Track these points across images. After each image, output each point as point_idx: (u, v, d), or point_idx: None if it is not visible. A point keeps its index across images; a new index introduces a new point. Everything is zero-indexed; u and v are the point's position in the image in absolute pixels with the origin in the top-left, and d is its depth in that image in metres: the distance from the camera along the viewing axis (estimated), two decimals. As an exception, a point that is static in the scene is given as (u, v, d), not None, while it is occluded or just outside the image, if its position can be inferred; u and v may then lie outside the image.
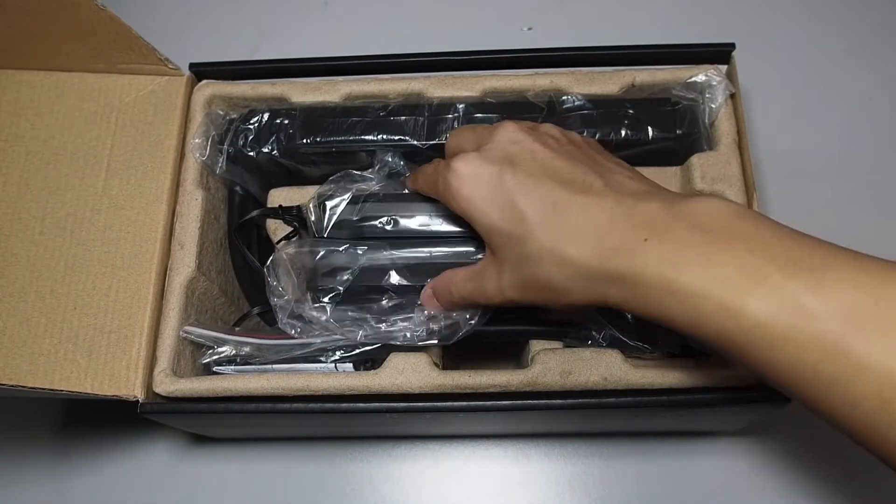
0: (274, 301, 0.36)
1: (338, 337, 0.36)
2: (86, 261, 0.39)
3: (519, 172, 0.30)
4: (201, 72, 0.43)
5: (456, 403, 0.36)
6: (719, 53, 0.41)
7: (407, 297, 0.36)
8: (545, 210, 0.29)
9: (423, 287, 0.36)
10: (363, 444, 0.49)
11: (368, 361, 0.38)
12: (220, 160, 0.42)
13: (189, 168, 0.41)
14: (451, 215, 0.35)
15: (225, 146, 0.42)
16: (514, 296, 0.31)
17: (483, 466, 0.48)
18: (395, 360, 0.36)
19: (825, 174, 0.55)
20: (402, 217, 0.37)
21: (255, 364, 0.38)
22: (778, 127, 0.56)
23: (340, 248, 0.36)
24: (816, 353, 0.22)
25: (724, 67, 0.41)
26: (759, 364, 0.24)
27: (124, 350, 0.37)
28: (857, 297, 0.22)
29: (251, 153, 0.41)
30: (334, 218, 0.37)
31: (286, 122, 0.41)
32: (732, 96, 0.40)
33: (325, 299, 0.36)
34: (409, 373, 0.36)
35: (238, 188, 0.44)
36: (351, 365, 0.37)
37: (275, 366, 0.37)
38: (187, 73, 0.43)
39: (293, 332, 0.37)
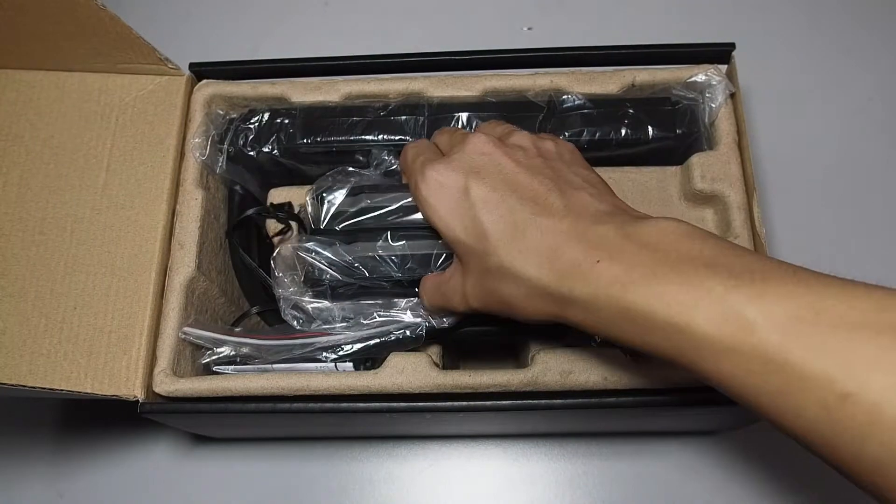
0: (279, 293, 0.37)
1: (337, 336, 0.36)
2: (86, 261, 0.39)
3: (483, 186, 0.30)
4: (201, 72, 0.43)
5: (456, 403, 0.36)
6: (719, 53, 0.41)
7: (406, 291, 0.36)
8: (505, 227, 0.29)
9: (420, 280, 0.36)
10: (363, 444, 0.49)
11: (368, 361, 0.38)
12: (220, 160, 0.42)
13: (189, 168, 0.41)
14: None
15: (225, 146, 0.42)
16: (476, 306, 0.32)
17: (483, 466, 0.48)
18: (394, 360, 0.36)
19: (825, 174, 0.55)
20: (400, 208, 0.37)
21: (254, 364, 0.38)
22: (778, 127, 0.56)
23: (337, 243, 0.36)
24: (760, 363, 0.22)
25: (723, 67, 0.41)
26: (711, 376, 0.24)
27: (124, 350, 0.37)
28: (797, 308, 0.22)
29: (251, 153, 0.41)
30: (332, 209, 0.37)
31: (286, 121, 0.41)
32: (732, 96, 0.40)
33: (323, 293, 0.37)
34: (409, 372, 0.36)
35: (238, 188, 0.44)
36: (351, 364, 0.37)
37: (275, 366, 0.37)
38: (187, 72, 0.43)
39: (296, 323, 0.37)
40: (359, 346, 0.37)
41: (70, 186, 0.40)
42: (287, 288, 0.37)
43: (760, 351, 0.22)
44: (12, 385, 0.35)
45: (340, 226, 0.37)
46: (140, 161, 0.41)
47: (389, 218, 0.37)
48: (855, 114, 0.57)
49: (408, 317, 0.36)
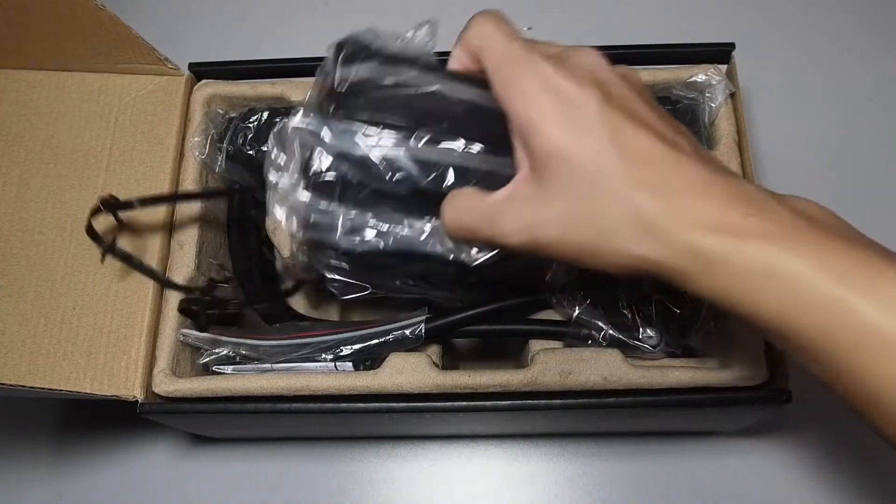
0: (270, 177, 0.30)
1: (337, 336, 0.36)
2: (85, 260, 0.39)
3: (610, 103, 0.25)
4: (201, 72, 0.43)
5: (456, 403, 0.36)
6: (719, 53, 0.41)
7: (428, 208, 0.29)
8: (635, 150, 0.25)
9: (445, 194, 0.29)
10: (363, 444, 0.49)
11: (368, 360, 0.38)
12: (220, 159, 0.42)
13: (188, 167, 0.41)
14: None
15: (224, 145, 0.42)
16: (546, 238, 0.26)
17: (483, 466, 0.48)
18: (394, 360, 0.36)
19: (825, 174, 0.55)
20: (443, 95, 0.29)
21: (253, 364, 0.38)
22: (778, 127, 0.56)
23: (353, 128, 0.28)
24: None
25: (723, 67, 0.41)
26: (863, 371, 0.22)
27: (124, 350, 0.37)
28: None
29: (250, 152, 0.41)
30: (357, 75, 0.30)
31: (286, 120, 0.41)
32: (732, 96, 0.40)
33: (328, 190, 0.29)
34: (408, 372, 0.36)
35: (237, 186, 0.44)
36: (350, 364, 0.37)
37: (274, 366, 0.37)
38: (187, 72, 0.43)
39: (281, 213, 0.30)
40: (358, 346, 0.37)
41: (70, 186, 0.40)
42: (279, 170, 0.29)
43: None
44: (12, 385, 0.35)
45: (359, 103, 0.29)
46: (140, 161, 0.41)
47: (426, 103, 0.29)
48: (855, 114, 0.57)
49: (429, 243, 0.29)
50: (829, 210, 0.25)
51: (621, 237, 0.25)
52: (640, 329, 0.36)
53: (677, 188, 0.24)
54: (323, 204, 0.29)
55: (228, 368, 0.38)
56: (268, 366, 0.37)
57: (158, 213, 0.40)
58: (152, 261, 0.39)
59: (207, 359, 0.38)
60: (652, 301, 0.37)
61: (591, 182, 0.25)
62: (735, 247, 0.23)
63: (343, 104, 0.29)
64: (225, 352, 0.38)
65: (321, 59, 0.43)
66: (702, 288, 0.24)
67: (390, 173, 0.28)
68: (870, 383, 0.22)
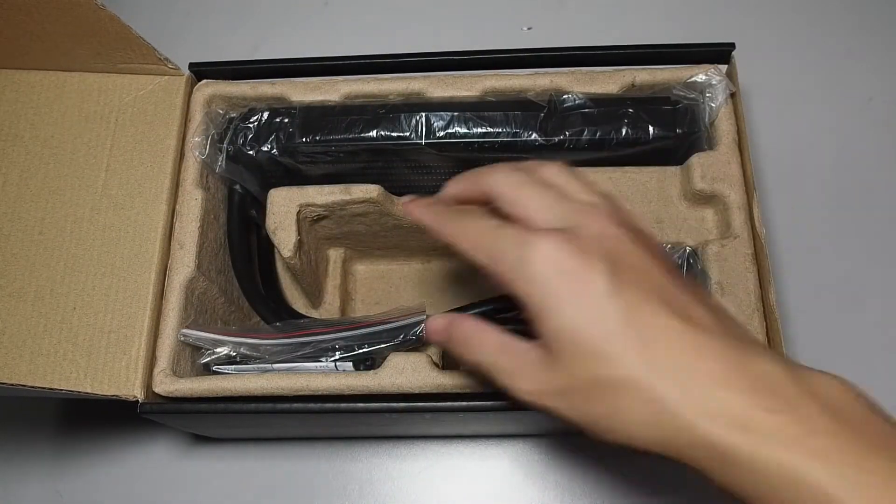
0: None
1: (337, 336, 0.36)
2: (85, 261, 0.39)
3: (622, 279, 0.24)
4: (201, 71, 0.43)
5: (456, 403, 0.36)
6: (719, 53, 0.41)
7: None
8: (649, 334, 0.24)
9: None
10: (363, 444, 0.49)
11: (368, 360, 0.38)
12: (220, 159, 0.42)
13: (189, 168, 0.41)
14: None
15: (224, 145, 0.42)
16: (554, 407, 0.26)
17: (483, 466, 0.48)
18: (394, 360, 0.36)
19: (825, 174, 0.55)
20: None
21: (254, 364, 0.38)
22: (778, 127, 0.56)
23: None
24: None
25: (724, 67, 0.41)
26: None
27: (124, 350, 0.37)
28: None
29: (251, 152, 0.41)
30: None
31: (286, 120, 0.41)
32: (732, 96, 0.40)
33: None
34: (408, 373, 0.36)
35: (238, 187, 0.44)
36: (351, 364, 0.37)
37: (274, 365, 0.37)
38: (187, 72, 0.43)
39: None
40: (357, 346, 0.37)
41: (69, 186, 0.40)
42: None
43: None
44: (12, 385, 0.35)
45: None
46: (140, 161, 0.41)
47: None
48: (855, 114, 0.57)
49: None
50: (849, 388, 0.23)
51: (633, 421, 0.24)
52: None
53: (695, 374, 0.23)
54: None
55: (228, 368, 0.38)
56: (268, 365, 0.37)
57: (158, 212, 0.40)
58: (152, 260, 0.39)
59: (208, 359, 0.38)
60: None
61: (599, 366, 0.24)
62: (758, 448, 0.21)
63: None
64: (225, 351, 0.38)
65: (321, 59, 0.43)
66: (720, 481, 0.23)
67: None
68: None
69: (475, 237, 0.27)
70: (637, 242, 0.26)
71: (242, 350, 0.37)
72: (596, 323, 0.24)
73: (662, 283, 0.25)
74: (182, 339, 0.38)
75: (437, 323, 0.30)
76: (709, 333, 0.24)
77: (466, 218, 0.28)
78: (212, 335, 0.38)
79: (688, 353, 0.23)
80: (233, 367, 0.38)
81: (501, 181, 0.28)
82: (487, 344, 0.27)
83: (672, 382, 0.23)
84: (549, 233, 0.25)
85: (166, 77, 0.43)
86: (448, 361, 0.40)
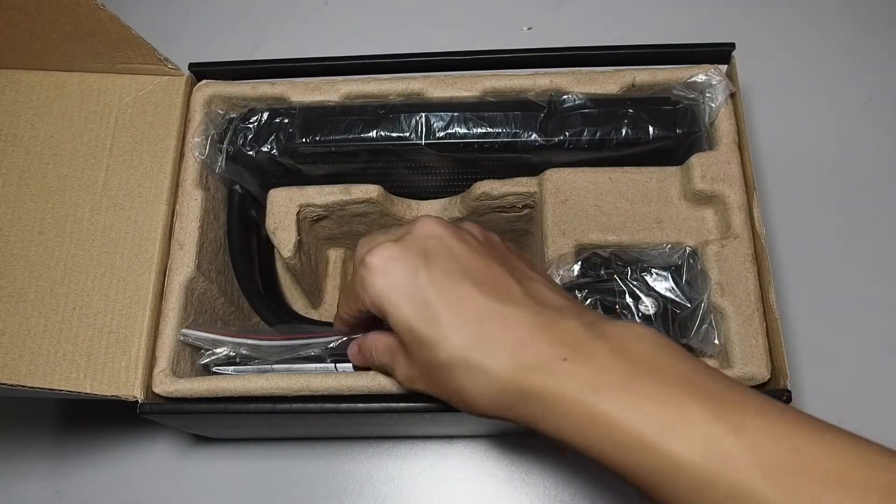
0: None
1: (338, 337, 0.36)
2: (85, 261, 0.39)
3: (435, 269, 0.28)
4: (201, 72, 0.43)
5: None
6: (719, 53, 0.41)
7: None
8: (461, 314, 0.27)
9: None
10: (363, 444, 0.49)
11: None
12: (220, 159, 0.42)
13: (188, 168, 0.41)
14: None
15: (224, 145, 0.42)
16: (422, 390, 0.30)
17: (483, 466, 0.48)
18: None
19: (825, 174, 0.55)
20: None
21: (253, 364, 0.38)
22: (778, 127, 0.56)
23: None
24: (737, 501, 0.22)
25: (724, 67, 0.41)
26: (679, 500, 0.23)
27: (124, 350, 0.37)
28: (779, 450, 0.22)
29: (250, 152, 0.41)
30: None
31: (286, 121, 0.41)
32: (732, 96, 0.40)
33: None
34: (408, 373, 0.36)
35: (238, 187, 0.44)
36: (351, 365, 0.37)
37: (274, 366, 0.37)
38: (187, 72, 0.43)
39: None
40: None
41: (69, 186, 0.40)
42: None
43: (741, 489, 0.22)
44: (12, 385, 0.35)
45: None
46: (139, 161, 0.41)
47: None
48: (855, 114, 0.57)
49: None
50: (654, 339, 0.26)
51: (474, 392, 0.27)
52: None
53: (506, 341, 0.26)
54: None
55: (228, 369, 0.38)
56: (268, 366, 0.37)
57: (158, 212, 0.40)
58: (152, 260, 0.39)
59: (207, 359, 0.38)
60: (651, 301, 0.37)
61: (431, 351, 0.27)
62: (560, 388, 0.25)
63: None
64: (225, 351, 0.38)
65: (321, 59, 0.43)
66: (548, 430, 0.26)
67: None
68: None
69: (345, 299, 0.33)
70: (456, 237, 0.29)
71: (242, 351, 0.37)
72: (418, 312, 0.28)
73: (476, 266, 0.28)
74: (182, 339, 0.38)
75: (352, 346, 0.35)
76: (518, 306, 0.27)
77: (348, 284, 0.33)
78: (211, 335, 0.38)
79: (498, 325, 0.27)
80: (232, 367, 0.38)
81: (361, 243, 0.32)
82: (380, 348, 0.32)
83: (489, 352, 0.26)
84: (377, 246, 0.29)
85: (166, 77, 0.43)
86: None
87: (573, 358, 0.25)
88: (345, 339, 0.36)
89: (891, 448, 0.22)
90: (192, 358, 0.39)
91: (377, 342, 0.33)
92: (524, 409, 0.26)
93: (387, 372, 0.33)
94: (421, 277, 0.28)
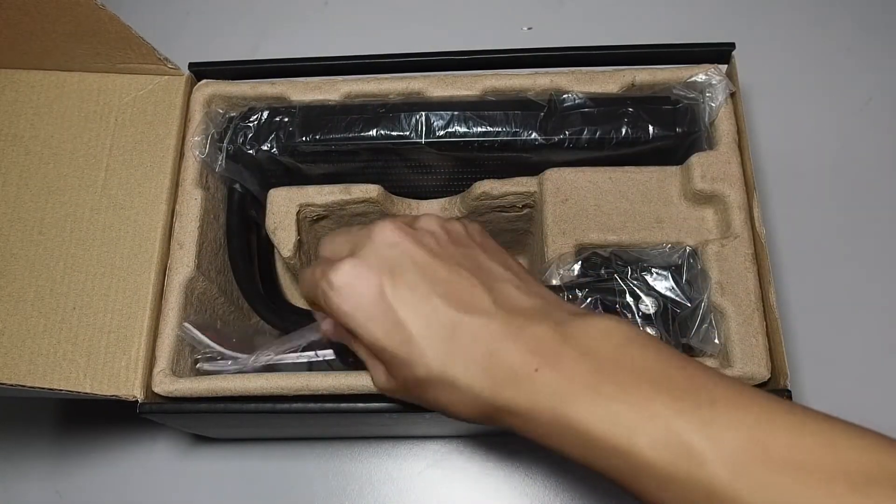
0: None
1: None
2: (85, 261, 0.39)
3: (400, 285, 0.28)
4: (201, 71, 0.43)
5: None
6: (719, 53, 0.41)
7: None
8: (431, 330, 0.27)
9: None
10: (363, 444, 0.49)
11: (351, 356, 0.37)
12: (220, 158, 0.42)
13: (188, 167, 0.41)
14: None
15: (224, 144, 0.42)
16: (403, 399, 0.31)
17: (483, 466, 0.48)
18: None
19: (825, 174, 0.55)
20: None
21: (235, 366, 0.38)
22: (778, 127, 0.56)
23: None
24: (704, 496, 0.22)
25: (724, 67, 0.41)
26: (651, 501, 0.24)
27: (124, 350, 0.37)
28: (745, 441, 0.22)
29: (251, 151, 0.41)
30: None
31: (286, 119, 0.41)
32: (733, 95, 0.40)
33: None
34: (408, 372, 0.36)
35: (238, 186, 0.44)
36: (331, 351, 0.37)
37: (257, 363, 0.38)
38: (187, 72, 0.43)
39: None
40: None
41: (69, 186, 0.40)
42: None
43: (707, 485, 0.22)
44: (11, 385, 0.35)
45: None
46: (139, 161, 0.41)
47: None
48: (855, 114, 0.57)
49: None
50: (621, 332, 0.26)
51: (454, 403, 0.27)
52: (640, 328, 0.36)
53: (476, 355, 0.26)
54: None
55: (218, 365, 0.38)
56: (248, 367, 0.38)
57: (158, 212, 0.40)
58: (152, 260, 0.39)
59: (200, 359, 0.38)
60: (652, 300, 0.37)
61: (408, 369, 0.27)
62: (528, 404, 0.25)
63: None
64: (213, 357, 0.38)
65: (321, 59, 0.43)
66: (530, 437, 0.26)
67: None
68: None
69: (304, 288, 0.31)
70: (416, 242, 0.29)
71: (229, 363, 0.38)
72: (390, 334, 0.27)
73: (440, 277, 0.28)
74: (181, 333, 0.38)
75: (325, 322, 0.33)
76: (487, 316, 0.27)
77: (303, 273, 0.32)
78: (208, 342, 0.38)
79: (468, 338, 0.27)
80: (221, 364, 0.38)
81: (322, 243, 0.32)
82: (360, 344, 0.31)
83: (462, 368, 0.26)
84: (339, 262, 0.29)
85: (166, 77, 0.43)
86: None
87: (542, 366, 0.25)
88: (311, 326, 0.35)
89: (866, 428, 0.22)
90: (192, 358, 0.39)
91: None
92: (504, 420, 0.27)
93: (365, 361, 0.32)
94: (387, 296, 0.27)
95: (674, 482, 0.22)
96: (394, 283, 0.28)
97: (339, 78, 0.43)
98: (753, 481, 0.21)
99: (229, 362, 0.38)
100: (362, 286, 0.28)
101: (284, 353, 0.37)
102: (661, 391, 0.24)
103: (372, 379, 0.31)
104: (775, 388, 0.35)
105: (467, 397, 0.27)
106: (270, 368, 0.38)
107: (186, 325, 0.38)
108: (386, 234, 0.29)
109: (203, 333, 0.38)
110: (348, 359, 0.37)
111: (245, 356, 0.37)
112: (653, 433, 0.23)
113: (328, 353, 0.37)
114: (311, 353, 0.37)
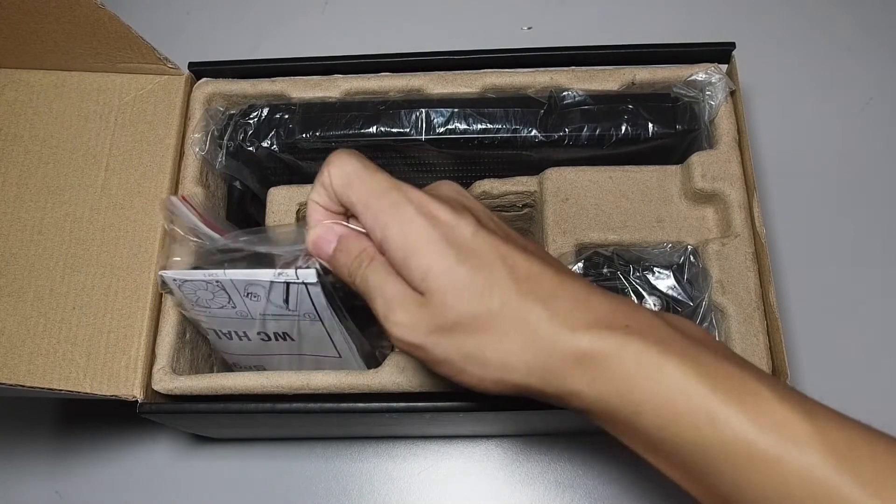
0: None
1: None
2: (85, 260, 0.39)
3: (485, 226, 0.27)
4: (200, 71, 0.43)
5: (456, 403, 0.36)
6: (719, 53, 0.41)
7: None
8: (516, 267, 0.25)
9: None
10: (363, 444, 0.49)
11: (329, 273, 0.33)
12: (220, 155, 0.42)
13: (188, 165, 0.41)
14: None
15: (224, 141, 0.42)
16: (421, 343, 0.26)
17: (483, 466, 0.48)
18: (395, 359, 0.36)
19: (825, 174, 0.55)
20: None
21: (211, 263, 0.35)
22: (778, 126, 0.56)
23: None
24: (803, 485, 0.21)
25: (724, 67, 0.41)
26: (729, 480, 0.22)
27: (123, 350, 0.37)
28: (850, 438, 0.21)
29: (251, 148, 0.41)
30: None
31: (286, 116, 0.41)
32: (733, 94, 0.40)
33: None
34: (409, 372, 0.36)
35: (237, 184, 0.44)
36: (313, 272, 0.32)
37: (227, 271, 0.34)
38: (186, 72, 0.43)
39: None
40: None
41: (69, 186, 0.40)
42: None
43: (807, 473, 0.21)
44: (11, 385, 0.35)
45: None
46: (139, 160, 0.41)
47: None
48: (855, 114, 0.57)
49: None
50: (700, 328, 0.26)
51: (508, 349, 0.25)
52: None
53: (562, 297, 0.25)
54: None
55: (191, 236, 0.35)
56: (220, 271, 0.34)
57: (158, 212, 0.40)
58: (152, 259, 0.39)
59: (176, 228, 0.36)
60: (654, 299, 0.37)
61: (477, 297, 0.25)
62: (618, 352, 0.24)
63: None
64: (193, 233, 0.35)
65: (321, 58, 0.43)
66: (591, 394, 0.24)
67: None
68: (736, 494, 0.22)
69: (357, 186, 0.28)
70: (475, 201, 0.28)
71: (205, 243, 0.35)
72: (468, 260, 0.25)
73: (516, 236, 0.28)
74: (168, 204, 0.36)
75: (326, 231, 0.29)
76: (567, 274, 0.26)
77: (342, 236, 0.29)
78: (188, 213, 0.35)
79: (553, 283, 0.25)
80: (191, 237, 0.35)
81: (363, 180, 0.28)
82: (380, 266, 0.27)
83: (542, 308, 0.25)
84: (416, 190, 0.27)
85: (166, 76, 0.43)
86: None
87: (633, 325, 0.24)
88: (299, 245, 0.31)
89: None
90: (192, 357, 0.39)
91: (379, 256, 0.28)
92: (566, 373, 0.24)
93: (366, 295, 0.28)
94: (465, 228, 0.26)
95: (769, 464, 0.21)
96: (476, 223, 0.26)
97: (339, 75, 0.43)
98: (860, 480, 0.21)
99: (202, 239, 0.35)
100: (446, 215, 0.26)
101: (260, 247, 0.33)
102: (757, 377, 0.23)
103: (383, 317, 0.27)
104: (776, 387, 0.35)
105: (541, 339, 0.24)
106: (242, 259, 0.34)
107: (173, 197, 0.36)
108: (450, 185, 0.29)
109: (191, 210, 0.36)
110: (334, 286, 0.33)
111: (220, 237, 0.34)
112: (754, 410, 0.22)
113: (309, 275, 0.32)
114: (291, 273, 0.32)
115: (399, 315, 0.26)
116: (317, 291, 0.33)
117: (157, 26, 0.62)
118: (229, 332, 0.38)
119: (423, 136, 0.40)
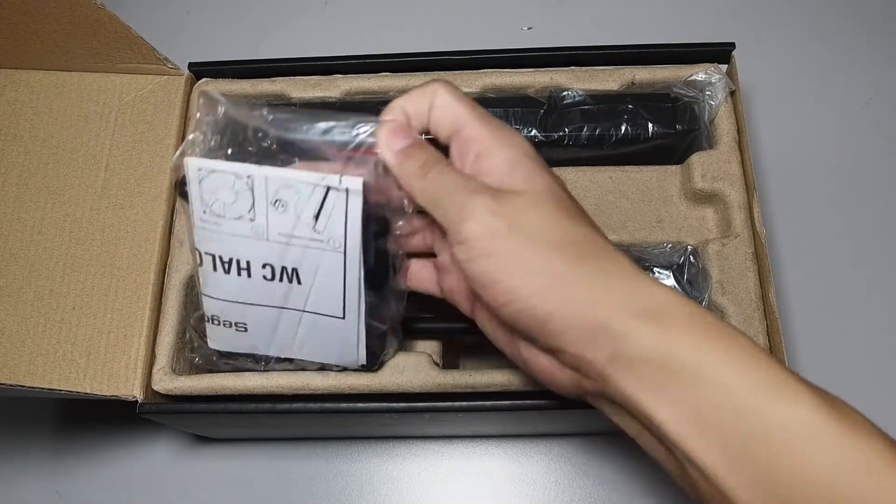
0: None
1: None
2: (85, 260, 0.39)
3: (546, 167, 0.28)
4: (200, 71, 0.43)
5: (456, 403, 0.36)
6: (719, 53, 0.41)
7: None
8: (606, 241, 0.27)
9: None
10: (363, 444, 0.49)
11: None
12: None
13: (188, 167, 0.41)
14: None
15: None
16: (495, 248, 0.25)
17: (483, 466, 0.48)
18: (395, 360, 0.36)
19: (825, 174, 0.55)
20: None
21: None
22: (778, 126, 0.56)
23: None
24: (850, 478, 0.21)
25: (724, 67, 0.41)
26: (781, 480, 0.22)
27: (123, 350, 0.37)
28: (878, 446, 0.21)
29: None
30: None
31: (286, 116, 0.41)
32: (732, 94, 0.40)
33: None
34: (409, 372, 0.36)
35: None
36: (360, 180, 0.28)
37: (264, 168, 0.29)
38: (186, 72, 0.43)
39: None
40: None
41: (69, 186, 0.40)
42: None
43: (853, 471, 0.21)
44: (11, 385, 0.35)
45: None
46: (139, 160, 0.41)
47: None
48: (855, 114, 0.57)
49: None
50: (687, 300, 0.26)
51: (544, 291, 0.25)
52: None
53: (614, 271, 0.25)
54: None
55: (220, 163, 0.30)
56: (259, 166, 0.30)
57: (158, 211, 0.40)
58: (152, 259, 0.39)
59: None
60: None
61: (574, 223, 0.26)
62: (664, 342, 0.23)
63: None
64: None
65: (320, 58, 0.43)
66: (617, 380, 0.24)
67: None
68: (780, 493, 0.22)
69: (468, 116, 0.28)
70: None
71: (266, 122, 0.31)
72: (528, 177, 0.27)
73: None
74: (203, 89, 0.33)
75: (397, 126, 0.28)
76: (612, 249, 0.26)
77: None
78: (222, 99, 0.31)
79: (606, 249, 0.26)
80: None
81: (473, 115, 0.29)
82: (451, 170, 0.27)
83: (607, 257, 0.26)
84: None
85: (166, 77, 0.43)
86: (448, 361, 0.40)
87: (684, 318, 0.24)
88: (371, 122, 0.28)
89: None
90: (192, 357, 0.39)
91: (449, 162, 0.27)
92: (599, 342, 0.24)
93: (433, 204, 0.27)
94: (538, 161, 0.28)
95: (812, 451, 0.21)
96: (538, 157, 0.29)
97: (339, 75, 0.43)
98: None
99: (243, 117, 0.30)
100: (520, 141, 0.28)
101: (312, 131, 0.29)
102: (786, 373, 0.23)
103: (459, 214, 0.26)
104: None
105: (592, 286, 0.25)
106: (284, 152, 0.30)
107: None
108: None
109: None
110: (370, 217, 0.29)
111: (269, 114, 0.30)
112: (795, 402, 0.22)
113: (355, 182, 0.28)
114: (334, 179, 0.28)
115: (477, 220, 0.25)
116: (356, 206, 0.29)
117: (157, 26, 0.62)
118: (230, 261, 0.31)
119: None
